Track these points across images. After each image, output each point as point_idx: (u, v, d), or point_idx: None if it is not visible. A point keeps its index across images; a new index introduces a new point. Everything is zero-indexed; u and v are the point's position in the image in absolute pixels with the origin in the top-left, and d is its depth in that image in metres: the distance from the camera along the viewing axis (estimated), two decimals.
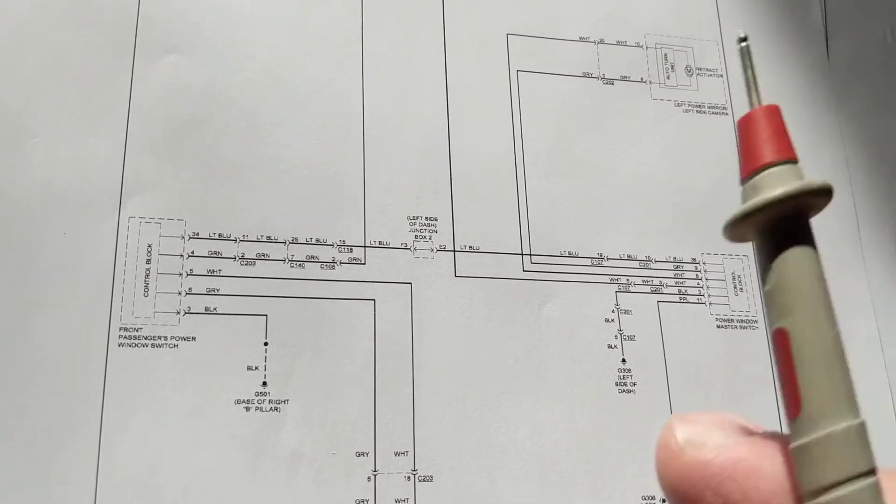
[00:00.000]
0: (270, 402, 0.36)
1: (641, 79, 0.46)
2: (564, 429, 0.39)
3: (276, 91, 0.41)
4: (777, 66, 0.48)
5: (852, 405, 0.15)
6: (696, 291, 0.43)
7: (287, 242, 0.38)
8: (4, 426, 0.34)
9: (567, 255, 0.42)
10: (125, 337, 0.36)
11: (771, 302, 0.15)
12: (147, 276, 0.37)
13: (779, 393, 0.42)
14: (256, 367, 0.36)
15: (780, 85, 0.48)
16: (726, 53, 0.48)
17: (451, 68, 0.43)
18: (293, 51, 0.41)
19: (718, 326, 0.43)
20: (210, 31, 0.41)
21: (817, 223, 0.47)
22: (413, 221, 0.40)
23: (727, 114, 0.47)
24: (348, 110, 0.41)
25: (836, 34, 0.50)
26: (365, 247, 0.39)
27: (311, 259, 0.39)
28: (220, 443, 0.35)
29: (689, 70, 0.47)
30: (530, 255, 0.41)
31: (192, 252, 0.37)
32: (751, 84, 0.17)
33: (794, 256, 0.15)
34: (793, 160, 0.16)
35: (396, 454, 0.37)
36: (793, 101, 0.48)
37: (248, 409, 0.36)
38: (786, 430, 0.40)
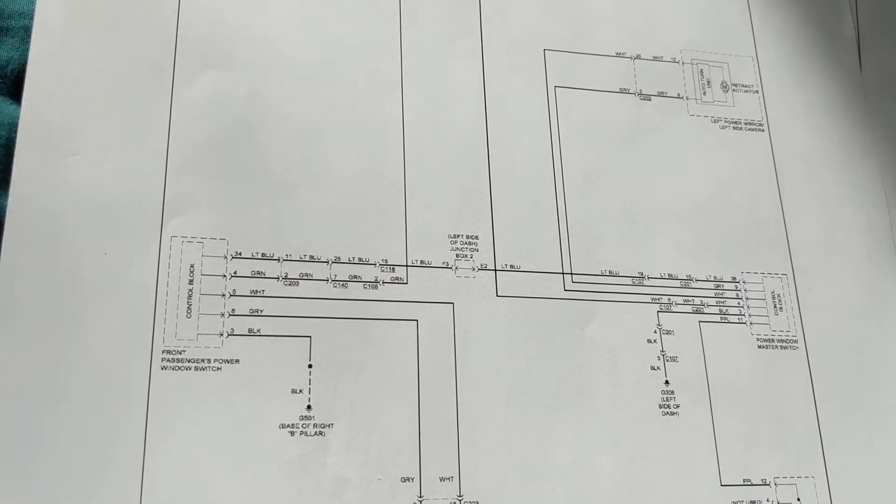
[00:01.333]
0: (315, 425, 0.36)
1: (678, 94, 0.46)
2: (609, 452, 0.39)
3: (316, 107, 0.40)
4: (810, 80, 0.48)
5: None
6: (736, 311, 0.42)
7: (330, 262, 0.38)
8: (47, 449, 0.33)
9: (608, 274, 0.41)
10: (168, 360, 0.35)
11: None
12: (190, 297, 0.36)
13: (819, 413, 0.41)
14: (301, 390, 0.36)
15: (813, 100, 0.48)
16: (762, 69, 0.48)
17: (490, 84, 0.43)
18: (332, 66, 0.41)
19: (759, 347, 0.42)
20: (249, 46, 0.40)
21: (853, 240, 0.47)
22: (454, 240, 0.40)
23: (763, 130, 0.46)
24: (388, 128, 0.41)
25: (869, 49, 0.50)
26: (407, 266, 0.39)
27: (354, 279, 0.38)
28: (265, 468, 0.35)
29: (724, 86, 0.47)
30: (571, 273, 0.41)
31: (235, 272, 0.37)
32: None
33: None
34: None
35: (442, 479, 0.36)
36: (826, 116, 0.48)
37: (292, 433, 0.35)
38: (829, 452, 0.40)
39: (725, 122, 0.46)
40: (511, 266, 0.40)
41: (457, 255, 0.40)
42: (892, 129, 0.48)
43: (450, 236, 0.40)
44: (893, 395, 0.43)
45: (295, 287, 0.37)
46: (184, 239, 0.37)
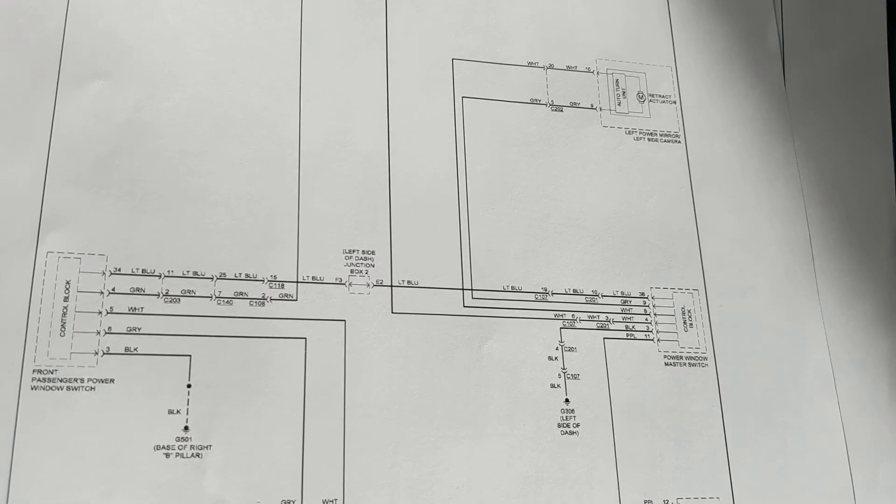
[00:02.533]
0: (192, 447, 0.35)
1: (592, 105, 0.45)
2: (503, 473, 0.38)
3: (207, 119, 0.39)
4: (731, 91, 0.47)
5: None
6: (643, 327, 0.42)
7: (214, 278, 0.37)
8: None
9: (510, 289, 0.40)
10: (39, 380, 0.34)
11: None
12: (64, 314, 0.35)
13: (728, 433, 0.40)
14: (178, 411, 0.35)
15: (734, 111, 0.47)
16: (680, 79, 0.47)
17: (394, 94, 0.42)
18: (226, 76, 0.40)
19: (666, 364, 0.41)
20: (138, 55, 0.39)
21: (770, 255, 0.46)
22: (349, 255, 0.39)
23: (680, 142, 0.45)
24: (283, 138, 0.40)
25: (794, 61, 0.49)
26: (297, 282, 0.38)
27: (240, 296, 0.37)
28: (138, 491, 0.34)
29: (641, 96, 0.46)
30: (472, 289, 0.40)
31: (114, 289, 0.36)
32: None
33: None
34: None
35: (325, 502, 0.35)
36: (746, 128, 0.47)
37: (168, 455, 0.34)
38: (736, 473, 0.39)
39: (640, 133, 0.45)
40: (408, 282, 0.39)
41: (351, 271, 0.39)
42: (815, 141, 0.48)
43: (345, 251, 0.39)
44: (805, 416, 0.42)
45: (176, 304, 0.36)
46: (60, 254, 0.35)
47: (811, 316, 0.44)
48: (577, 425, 0.39)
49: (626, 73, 0.46)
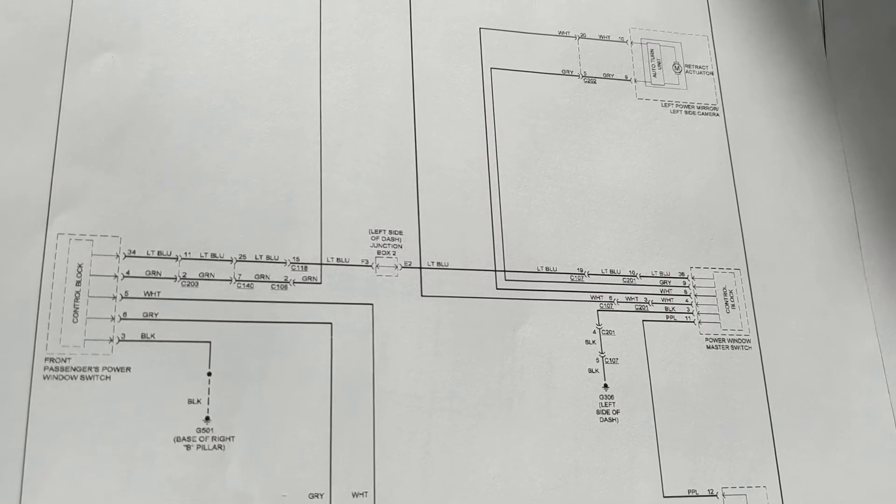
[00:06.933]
0: (214, 438, 0.33)
1: (626, 77, 0.43)
2: (541, 463, 0.36)
3: (223, 92, 0.37)
4: (770, 61, 0.45)
5: None
6: (684, 309, 0.39)
7: (234, 260, 0.35)
8: None
9: (544, 270, 0.38)
10: (51, 368, 0.32)
11: None
12: (77, 299, 0.33)
13: (773, 419, 0.38)
14: (198, 401, 0.33)
15: (773, 82, 0.44)
16: (717, 49, 0.44)
17: (419, 65, 0.40)
18: (241, 46, 0.38)
19: (709, 347, 0.39)
20: (150, 25, 0.37)
21: (814, 232, 0.44)
22: (375, 235, 0.37)
23: (718, 114, 0.43)
24: (304, 112, 0.38)
25: (835, 28, 0.47)
26: (321, 264, 0.36)
27: (261, 279, 0.35)
28: (157, 486, 0.32)
29: (677, 67, 0.44)
30: (504, 271, 0.38)
31: (128, 272, 0.34)
32: None
33: None
34: None
35: (354, 495, 0.33)
36: (787, 100, 0.44)
37: (188, 447, 0.32)
38: (783, 461, 0.37)
39: (677, 105, 0.43)
40: (438, 263, 0.37)
41: (378, 252, 0.37)
42: (860, 112, 0.45)
43: (371, 231, 0.37)
44: (853, 401, 0.40)
45: (194, 288, 0.34)
46: (71, 236, 0.33)
47: (858, 296, 0.42)
48: (617, 412, 0.37)
49: (661, 43, 0.44)
